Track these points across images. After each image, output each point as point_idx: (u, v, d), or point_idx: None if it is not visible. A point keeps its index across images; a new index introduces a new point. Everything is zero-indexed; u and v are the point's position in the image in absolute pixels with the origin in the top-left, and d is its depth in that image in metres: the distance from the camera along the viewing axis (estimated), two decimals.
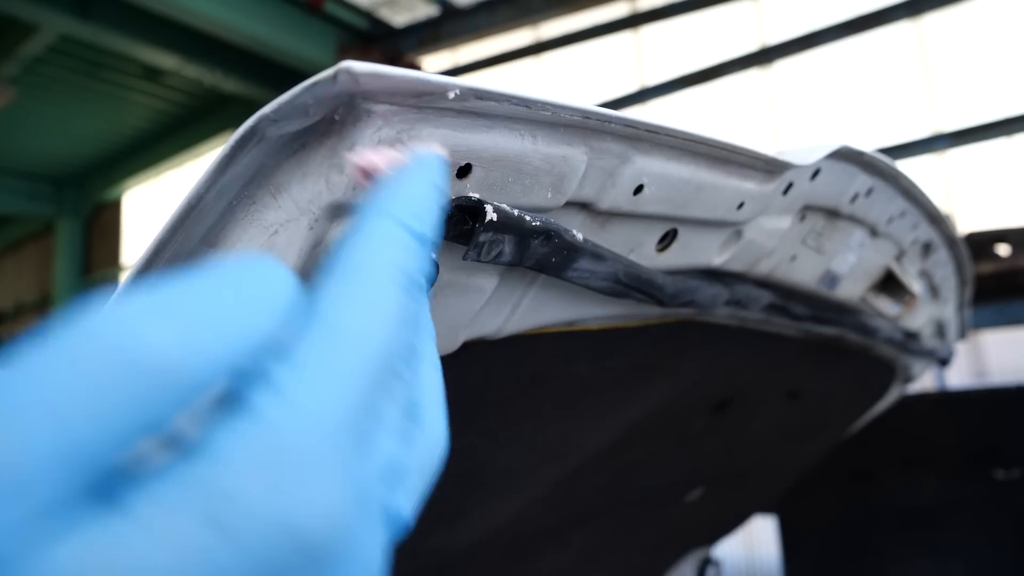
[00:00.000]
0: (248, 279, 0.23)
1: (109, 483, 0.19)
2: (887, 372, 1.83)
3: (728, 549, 4.09)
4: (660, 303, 0.74)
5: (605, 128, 0.55)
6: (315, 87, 0.41)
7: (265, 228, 0.47)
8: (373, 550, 0.24)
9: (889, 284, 1.34)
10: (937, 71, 5.76)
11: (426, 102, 0.44)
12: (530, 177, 0.54)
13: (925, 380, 4.16)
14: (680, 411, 1.31)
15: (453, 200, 0.50)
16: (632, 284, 0.68)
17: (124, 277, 0.50)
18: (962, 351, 4.46)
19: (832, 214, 1.02)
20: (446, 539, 1.09)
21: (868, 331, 1.35)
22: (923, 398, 3.39)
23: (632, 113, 0.58)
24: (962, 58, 5.68)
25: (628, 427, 1.17)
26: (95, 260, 11.84)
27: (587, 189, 0.59)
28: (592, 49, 7.40)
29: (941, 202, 5.10)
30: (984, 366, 5.17)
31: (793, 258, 0.99)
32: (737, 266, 0.89)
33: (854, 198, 1.01)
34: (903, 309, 1.40)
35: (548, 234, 0.55)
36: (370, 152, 0.40)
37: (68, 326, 0.19)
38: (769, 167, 0.77)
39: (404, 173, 0.36)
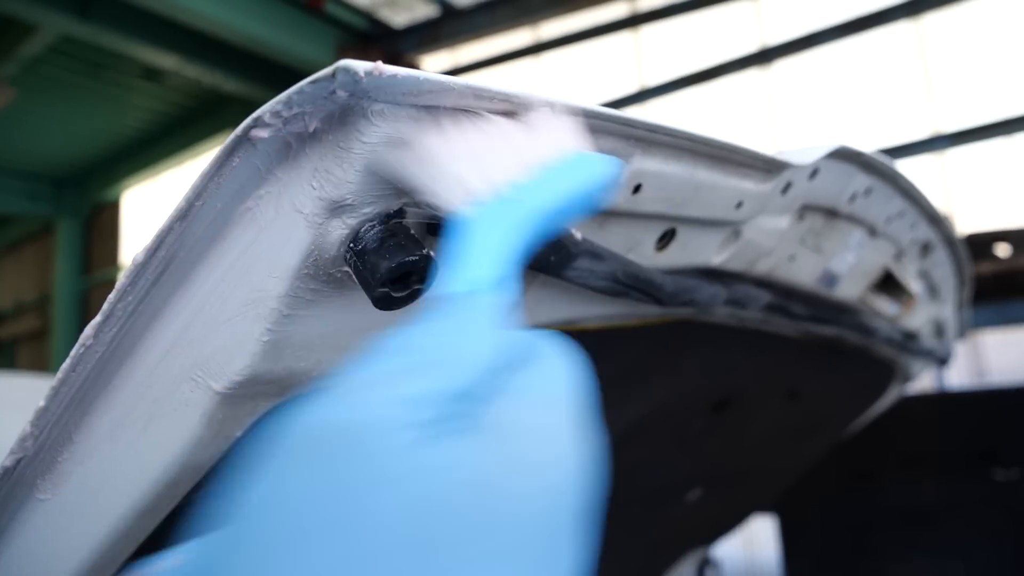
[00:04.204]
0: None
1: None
2: (886, 372, 1.83)
3: (728, 549, 4.08)
4: (659, 302, 0.74)
5: (602, 127, 0.55)
6: (313, 85, 0.41)
7: (262, 227, 0.47)
8: None
9: (888, 284, 1.34)
10: (937, 71, 5.76)
11: (425, 100, 0.44)
12: None
13: (925, 380, 4.15)
14: (679, 411, 1.31)
15: None
16: (631, 283, 0.67)
17: (121, 277, 0.50)
18: (962, 351, 4.45)
19: (831, 214, 1.02)
20: None
21: (867, 331, 1.35)
22: (923, 398, 3.39)
23: (631, 113, 0.58)
24: (962, 58, 5.68)
25: (627, 426, 1.17)
26: (94, 260, 11.83)
27: None
28: (592, 49, 7.39)
29: (941, 202, 5.09)
30: (984, 366, 5.17)
31: (792, 258, 0.99)
32: (736, 265, 0.89)
33: (852, 198, 1.01)
34: (902, 309, 1.40)
35: None
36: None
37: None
38: (767, 167, 0.77)
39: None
